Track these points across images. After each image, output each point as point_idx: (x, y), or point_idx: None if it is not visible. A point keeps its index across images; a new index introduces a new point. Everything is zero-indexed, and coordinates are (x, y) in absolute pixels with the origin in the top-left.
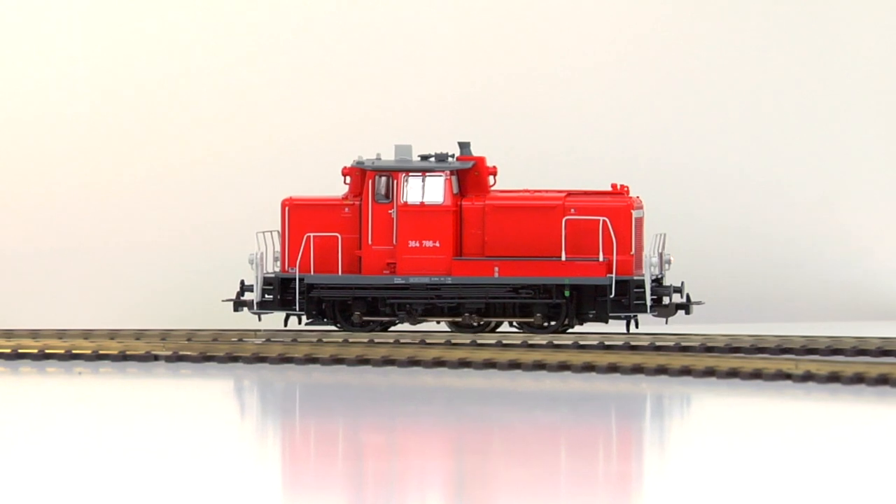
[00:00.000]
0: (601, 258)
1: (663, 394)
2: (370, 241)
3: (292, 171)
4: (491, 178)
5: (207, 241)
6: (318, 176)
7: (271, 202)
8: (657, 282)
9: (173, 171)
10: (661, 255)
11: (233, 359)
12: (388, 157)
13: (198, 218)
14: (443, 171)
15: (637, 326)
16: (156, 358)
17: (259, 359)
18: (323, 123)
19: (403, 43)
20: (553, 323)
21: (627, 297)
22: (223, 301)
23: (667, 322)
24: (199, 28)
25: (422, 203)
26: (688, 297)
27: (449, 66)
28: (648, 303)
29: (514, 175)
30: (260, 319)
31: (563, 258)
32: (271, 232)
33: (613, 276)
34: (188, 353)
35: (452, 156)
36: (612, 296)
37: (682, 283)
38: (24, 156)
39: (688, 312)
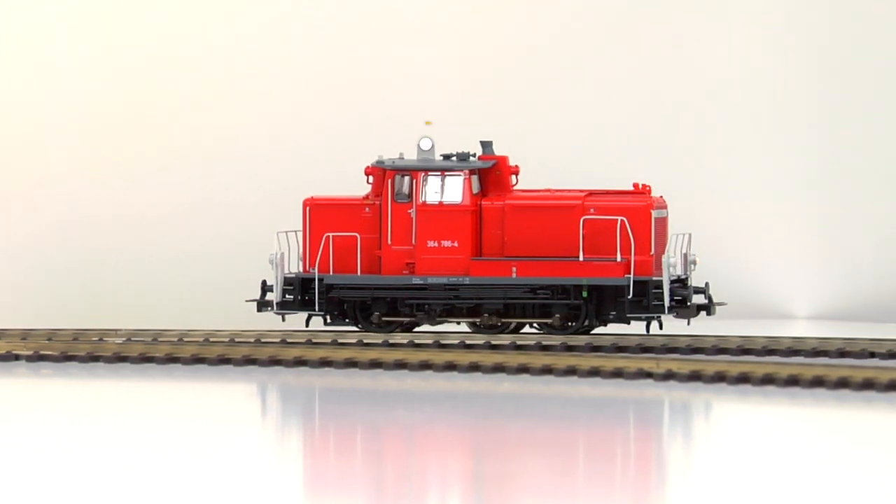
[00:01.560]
0: (619, 258)
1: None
2: (389, 241)
3: (320, 169)
4: (513, 178)
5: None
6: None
7: (294, 201)
8: (680, 282)
9: (198, 168)
10: (685, 256)
11: (93, 358)
12: (412, 156)
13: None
14: (462, 170)
15: (661, 328)
16: (17, 357)
17: (197, 360)
18: (351, 122)
19: (430, 41)
20: (573, 324)
21: (646, 297)
22: (247, 301)
23: (688, 323)
24: (214, 24)
25: (440, 203)
26: (710, 297)
27: (480, 63)
28: (667, 304)
29: (546, 175)
30: (284, 320)
31: (581, 258)
32: (295, 232)
33: (631, 276)
34: (49, 352)
35: (474, 155)
36: (630, 297)
37: (707, 284)
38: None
39: (709, 313)
